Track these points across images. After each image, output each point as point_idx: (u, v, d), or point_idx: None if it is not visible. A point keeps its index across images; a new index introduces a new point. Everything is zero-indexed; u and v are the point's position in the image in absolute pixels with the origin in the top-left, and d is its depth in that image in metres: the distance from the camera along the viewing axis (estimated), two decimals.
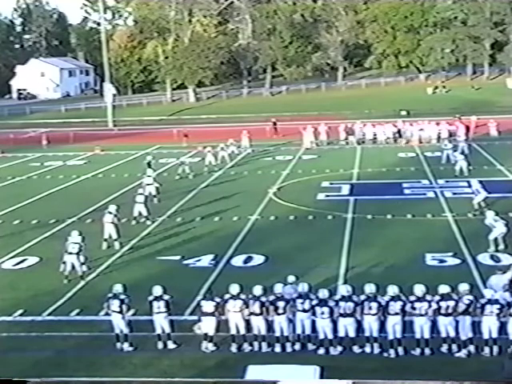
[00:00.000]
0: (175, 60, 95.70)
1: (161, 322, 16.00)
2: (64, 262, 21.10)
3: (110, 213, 24.73)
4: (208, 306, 15.86)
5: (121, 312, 16.04)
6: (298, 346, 15.75)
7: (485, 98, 76.05)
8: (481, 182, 29.78)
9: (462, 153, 38.46)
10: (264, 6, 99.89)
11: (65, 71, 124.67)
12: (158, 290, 16.13)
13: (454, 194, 31.43)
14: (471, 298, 15.36)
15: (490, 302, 15.22)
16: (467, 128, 48.20)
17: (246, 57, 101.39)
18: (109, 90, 73.56)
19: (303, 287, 16.08)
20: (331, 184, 34.76)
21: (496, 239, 22.37)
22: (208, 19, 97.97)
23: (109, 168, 42.76)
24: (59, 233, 26.78)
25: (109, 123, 70.73)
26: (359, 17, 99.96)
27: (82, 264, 21.15)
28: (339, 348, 15.53)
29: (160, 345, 16.02)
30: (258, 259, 22.46)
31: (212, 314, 15.79)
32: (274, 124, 55.49)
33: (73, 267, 20.98)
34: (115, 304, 16.07)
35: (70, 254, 21.01)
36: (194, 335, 16.04)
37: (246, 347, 15.82)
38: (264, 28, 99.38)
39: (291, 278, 16.85)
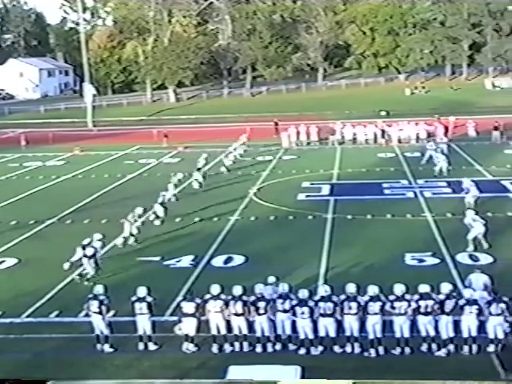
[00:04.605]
0: (155, 60, 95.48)
1: (143, 324, 15.94)
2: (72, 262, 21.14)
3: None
4: (188, 307, 15.83)
5: (100, 313, 15.97)
6: (278, 346, 15.78)
7: (463, 99, 76.63)
8: (460, 182, 29.99)
9: (442, 153, 38.63)
10: (243, 7, 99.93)
11: (44, 71, 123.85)
12: (141, 291, 16.08)
13: (434, 194, 31.65)
14: (451, 297, 15.46)
15: (469, 301, 15.34)
16: (446, 128, 48.59)
17: (226, 57, 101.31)
18: (88, 90, 73.24)
19: (283, 287, 16.12)
20: (311, 184, 34.85)
21: (476, 239, 22.51)
22: (187, 19, 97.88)
23: (89, 168, 42.56)
24: (39, 233, 26.63)
25: (88, 124, 70.44)
26: (338, 18, 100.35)
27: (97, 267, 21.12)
28: (320, 348, 15.57)
29: (141, 346, 15.97)
30: (239, 259, 22.46)
31: (193, 315, 15.76)
32: (276, 124, 55.28)
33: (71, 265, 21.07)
34: (95, 305, 16.00)
35: (85, 256, 20.92)
36: (175, 336, 16.02)
37: (227, 348, 15.82)
38: (244, 28, 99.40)
39: (271, 279, 16.86)
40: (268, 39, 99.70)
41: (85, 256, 20.96)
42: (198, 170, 35.15)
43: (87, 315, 16.37)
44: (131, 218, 24.70)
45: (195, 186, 34.10)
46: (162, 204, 27.78)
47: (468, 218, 23.18)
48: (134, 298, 16.05)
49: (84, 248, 21.13)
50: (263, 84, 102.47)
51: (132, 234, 24.54)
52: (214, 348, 15.80)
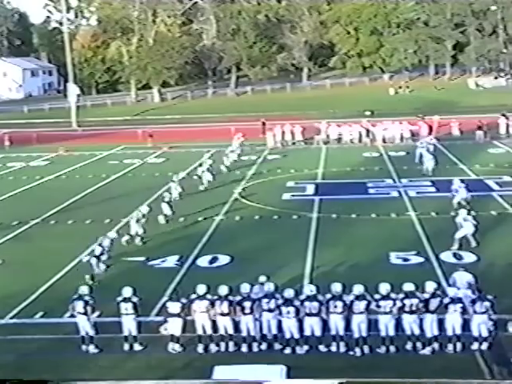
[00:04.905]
0: (139, 60, 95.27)
1: (128, 324, 15.90)
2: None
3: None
4: (174, 307, 15.81)
5: (86, 313, 15.91)
6: (264, 346, 15.78)
7: (447, 98, 77.00)
8: (448, 181, 30.14)
9: (429, 152, 38.57)
10: (228, 7, 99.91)
11: (27, 71, 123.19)
12: (126, 292, 16.04)
13: (418, 193, 31.78)
14: (436, 296, 15.54)
15: (454, 300, 15.42)
16: (430, 128, 48.84)
17: (211, 57, 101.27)
18: (73, 90, 72.91)
19: (269, 287, 16.13)
20: (296, 184, 34.90)
21: (463, 238, 22.53)
22: (172, 19, 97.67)
23: (73, 169, 42.38)
24: (22, 234, 26.49)
25: (73, 124, 70.16)
26: (323, 17, 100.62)
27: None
28: (305, 347, 15.59)
29: (126, 346, 15.92)
30: (224, 259, 22.45)
31: (178, 315, 15.74)
32: (263, 124, 55.16)
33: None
34: (80, 305, 15.94)
35: (94, 256, 20.88)
36: (161, 336, 15.99)
37: (213, 348, 15.81)
38: (228, 28, 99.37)
39: (262, 279, 16.83)
40: (253, 39, 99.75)
41: (94, 255, 20.93)
42: (208, 169, 35.18)
43: (72, 316, 16.30)
44: (135, 217, 24.64)
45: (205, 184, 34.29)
46: (168, 203, 27.75)
47: (460, 217, 23.21)
48: (119, 299, 16.01)
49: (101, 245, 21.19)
50: (248, 84, 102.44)
51: (135, 234, 24.49)
52: (200, 348, 15.78)
